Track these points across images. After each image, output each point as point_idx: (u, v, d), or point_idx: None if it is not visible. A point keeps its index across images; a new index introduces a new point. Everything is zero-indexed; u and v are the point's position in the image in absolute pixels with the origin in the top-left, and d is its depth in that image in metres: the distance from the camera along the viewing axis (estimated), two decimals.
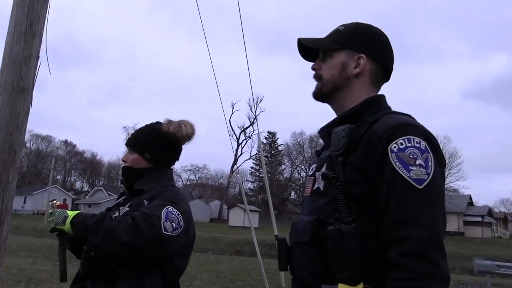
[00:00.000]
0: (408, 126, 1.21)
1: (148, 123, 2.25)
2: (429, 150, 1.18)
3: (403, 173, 1.14)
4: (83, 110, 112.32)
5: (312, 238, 1.22)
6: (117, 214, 2.04)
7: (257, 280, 10.44)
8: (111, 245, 1.81)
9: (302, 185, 70.59)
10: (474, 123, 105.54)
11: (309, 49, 1.45)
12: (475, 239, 42.32)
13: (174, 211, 1.93)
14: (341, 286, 1.13)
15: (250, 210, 6.70)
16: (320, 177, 1.28)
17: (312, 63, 1.48)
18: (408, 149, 1.16)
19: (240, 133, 61.10)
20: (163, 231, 1.84)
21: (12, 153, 2.84)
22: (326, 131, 1.41)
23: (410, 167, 1.14)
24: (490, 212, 56.78)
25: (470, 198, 56.40)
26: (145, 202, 1.98)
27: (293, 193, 73.32)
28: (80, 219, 1.87)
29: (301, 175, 71.75)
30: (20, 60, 2.90)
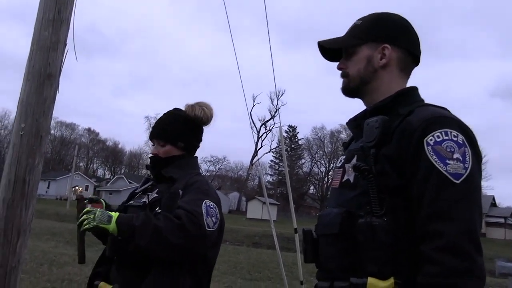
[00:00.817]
0: (445, 118, 1.19)
1: (168, 111, 2.23)
2: (467, 144, 1.15)
3: (440, 166, 1.12)
4: (106, 99, 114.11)
5: (342, 230, 1.20)
6: (145, 199, 2.03)
7: (274, 272, 10.47)
8: (159, 247, 1.80)
9: (321, 180, 70.40)
10: (502, 123, 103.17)
11: (331, 49, 1.43)
12: (497, 241, 41.55)
13: (211, 205, 1.93)
14: (371, 280, 1.11)
15: (269, 203, 6.71)
16: (351, 168, 1.26)
17: (337, 63, 1.45)
18: (445, 142, 1.14)
19: (261, 126, 61.16)
20: (206, 228, 1.86)
21: (39, 138, 2.89)
22: (355, 123, 1.39)
23: (447, 161, 1.12)
24: None
25: (493, 199, 55.40)
26: (180, 192, 1.97)
27: (312, 187, 73.20)
28: (126, 220, 1.83)
29: (321, 169, 71.51)
30: (48, 47, 2.94)
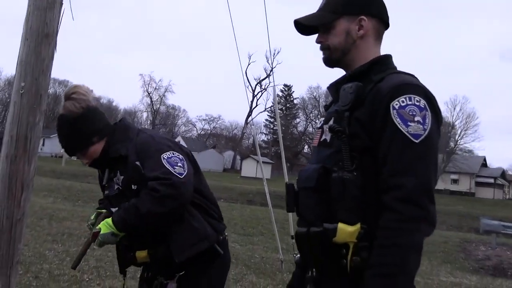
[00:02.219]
0: (410, 85, 1.32)
1: (57, 124, 2.20)
2: (428, 109, 1.28)
3: (402, 128, 1.26)
4: (100, 55, 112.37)
5: (318, 184, 1.35)
6: (117, 186, 2.13)
7: (266, 228, 10.80)
8: (160, 222, 2.00)
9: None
10: (499, 83, 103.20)
11: (306, 25, 1.50)
12: (485, 200, 42.46)
13: (169, 155, 2.03)
14: (341, 225, 1.27)
15: (263, 162, 6.87)
16: (327, 129, 1.40)
17: (310, 35, 1.53)
18: (408, 106, 1.27)
19: (256, 85, 60.88)
20: (180, 178, 1.97)
21: (38, 97, 2.97)
22: (335, 87, 1.51)
23: (409, 123, 1.26)
24: (503, 174, 56.58)
25: (484, 159, 56.08)
26: (137, 163, 2.05)
27: (306, 146, 73.64)
28: (123, 224, 1.99)
29: (315, 129, 71.59)
30: (44, 6, 2.98)
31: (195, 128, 77.36)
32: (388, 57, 1.48)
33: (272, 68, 51.32)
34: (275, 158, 56.79)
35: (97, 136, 2.15)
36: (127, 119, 2.36)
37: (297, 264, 1.61)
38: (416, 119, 1.26)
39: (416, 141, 1.25)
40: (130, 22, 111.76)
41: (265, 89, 61.19)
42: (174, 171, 1.98)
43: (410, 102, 1.28)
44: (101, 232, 1.99)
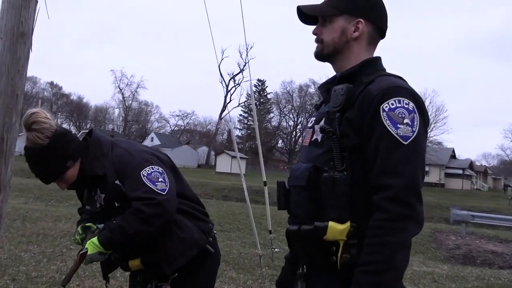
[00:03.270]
0: (399, 88, 1.36)
1: (26, 154, 2.10)
2: (416, 111, 1.33)
3: (392, 130, 1.30)
4: (69, 51, 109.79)
5: (308, 183, 1.39)
6: (98, 204, 2.10)
7: (243, 223, 10.85)
8: (147, 238, 2.02)
9: (289, 134, 71.17)
10: (466, 77, 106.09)
11: (307, 14, 1.54)
12: (455, 191, 43.65)
13: (149, 171, 2.00)
14: (331, 223, 1.31)
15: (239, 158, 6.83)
16: (319, 130, 1.44)
17: (309, 25, 1.57)
18: (398, 109, 1.32)
19: (230, 80, 60.66)
20: (163, 194, 1.96)
21: (15, 97, 2.93)
22: (325, 87, 1.56)
23: (398, 125, 1.30)
24: (471, 165, 58.21)
25: (453, 151, 57.57)
26: (117, 182, 2.02)
27: (280, 141, 74.05)
28: (109, 243, 1.99)
29: (289, 124, 72.14)
30: (19, 4, 2.93)
31: (168, 124, 76.73)
32: (377, 59, 1.53)
33: (245, 63, 51.24)
34: (250, 153, 56.87)
35: (71, 160, 2.06)
36: (96, 130, 2.27)
37: (287, 259, 1.65)
38: (405, 121, 1.31)
39: (405, 143, 1.29)
40: (100, 17, 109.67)
41: (238, 84, 61.11)
42: (156, 188, 1.96)
43: (400, 105, 1.32)
44: (88, 253, 1.99)
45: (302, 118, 71.19)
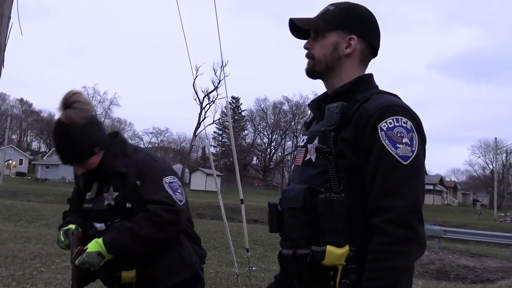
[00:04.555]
0: (396, 106, 1.32)
1: (56, 130, 2.07)
2: (414, 130, 1.29)
3: (391, 149, 1.26)
4: (40, 67, 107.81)
5: (304, 205, 1.33)
6: (108, 202, 2.04)
7: (219, 241, 10.72)
8: (156, 247, 1.99)
9: (264, 151, 71.29)
10: (435, 95, 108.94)
11: (299, 28, 1.51)
12: (426, 206, 43.82)
13: (171, 180, 2.04)
14: (329, 247, 1.25)
15: (212, 175, 6.79)
16: (314, 149, 1.38)
17: (299, 39, 1.54)
18: (396, 128, 1.28)
19: (204, 97, 60.53)
20: (180, 205, 1.99)
21: None
22: (316, 104, 1.51)
23: (398, 145, 1.26)
24: (441, 181, 59.55)
25: None
26: (138, 183, 2.01)
27: (255, 158, 74.05)
28: (114, 244, 1.92)
29: (264, 141, 72.33)
30: None
31: (142, 142, 75.55)
32: (370, 76, 1.49)
33: (220, 80, 51.38)
34: (224, 170, 56.63)
35: (99, 147, 2.07)
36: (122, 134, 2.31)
37: (277, 280, 1.57)
38: (404, 140, 1.27)
39: (405, 163, 1.25)
40: (72, 33, 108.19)
41: (213, 101, 61.03)
42: (176, 198, 1.99)
43: (398, 124, 1.28)
44: (88, 250, 1.91)
45: (277, 135, 71.56)
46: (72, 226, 2.07)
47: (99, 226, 2.04)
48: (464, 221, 27.73)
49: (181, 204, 1.99)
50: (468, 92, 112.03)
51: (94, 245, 1.92)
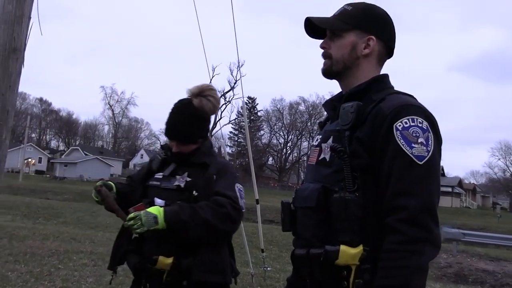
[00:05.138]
0: (412, 106, 1.32)
1: (177, 107, 2.23)
2: (430, 130, 1.29)
3: (406, 149, 1.25)
4: (59, 67, 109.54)
5: (318, 204, 1.33)
6: (177, 183, 2.13)
7: (235, 241, 10.54)
8: (209, 235, 2.03)
9: (279, 151, 71.19)
10: (455, 96, 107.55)
11: (315, 27, 1.50)
12: (444, 209, 43.73)
13: (241, 188, 2.18)
14: (343, 247, 1.25)
15: None
16: (328, 149, 1.38)
17: (314, 39, 1.53)
18: (412, 128, 1.27)
19: (220, 97, 60.52)
20: (243, 209, 2.12)
21: (5, 113, 2.89)
22: (331, 105, 1.51)
23: (413, 145, 1.26)
24: (460, 183, 58.64)
25: (442, 169, 57.90)
26: (214, 177, 2.13)
27: (270, 158, 73.98)
28: (174, 216, 1.96)
29: (279, 141, 72.25)
30: (12, 20, 2.91)
31: (158, 141, 76.23)
32: (385, 77, 1.48)
33: (236, 80, 51.46)
34: (240, 171, 56.65)
35: (202, 139, 2.25)
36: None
37: (289, 283, 1.57)
38: (419, 140, 1.26)
39: (420, 163, 1.25)
40: (91, 33, 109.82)
41: (229, 101, 61.19)
42: (241, 202, 2.11)
43: (413, 124, 1.28)
44: (148, 210, 1.96)
45: (292, 136, 71.40)
46: (99, 183, 2.19)
47: (160, 202, 2.10)
48: (483, 224, 27.30)
49: (243, 210, 2.11)
50: (488, 93, 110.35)
51: (154, 209, 1.97)
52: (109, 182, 2.23)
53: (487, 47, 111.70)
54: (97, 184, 2.18)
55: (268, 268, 7.02)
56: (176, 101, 2.26)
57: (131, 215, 1.96)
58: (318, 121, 1.66)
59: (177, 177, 2.16)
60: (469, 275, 10.52)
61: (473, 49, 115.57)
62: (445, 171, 59.81)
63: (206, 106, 2.19)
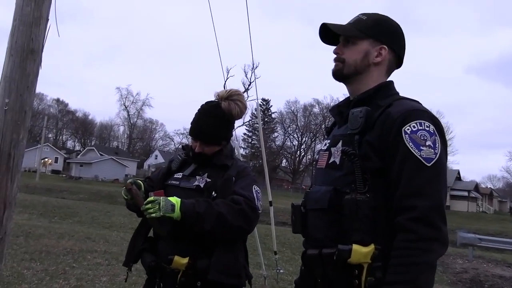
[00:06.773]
0: (419, 111, 1.39)
1: (205, 108, 2.26)
2: (436, 133, 1.36)
3: (415, 152, 1.31)
4: (76, 68, 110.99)
5: (330, 205, 1.39)
6: (197, 183, 2.16)
7: (247, 243, 10.63)
8: (223, 230, 2.02)
9: (293, 153, 71.07)
10: (474, 99, 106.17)
11: (329, 33, 1.56)
12: (460, 213, 43.21)
13: (259, 190, 2.19)
14: (355, 246, 1.31)
15: None
16: (338, 152, 1.44)
17: (327, 45, 1.60)
18: (420, 131, 1.34)
19: None
20: (259, 210, 2.12)
21: (23, 113, 2.93)
22: (338, 110, 1.58)
23: (421, 147, 1.32)
24: (476, 187, 57.80)
25: (458, 173, 57.26)
26: (233, 179, 2.16)
27: (284, 160, 73.85)
28: (189, 207, 1.98)
29: (293, 143, 72.11)
30: (30, 22, 2.95)
31: (173, 142, 76.84)
32: (391, 83, 1.56)
33: (250, 82, 51.53)
34: (254, 172, 56.59)
35: (226, 142, 2.29)
36: None
37: (297, 285, 1.61)
38: (427, 143, 1.33)
39: (428, 165, 1.31)
40: (107, 35, 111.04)
41: None
42: (258, 203, 2.12)
43: (421, 127, 1.34)
44: (168, 197, 1.98)
45: (306, 138, 71.19)
46: (130, 180, 2.19)
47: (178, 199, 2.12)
48: (500, 229, 26.85)
49: (259, 211, 2.11)
50: (507, 97, 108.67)
51: (173, 198, 2.00)
52: (139, 180, 2.23)
53: (506, 49, 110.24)
54: (127, 182, 2.18)
55: (281, 271, 7.01)
56: (203, 102, 2.29)
57: (150, 198, 1.97)
58: (323, 126, 1.68)
59: (197, 177, 2.19)
60: (485, 281, 10.35)
61: (492, 51, 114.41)
62: (462, 175, 58.91)
63: (233, 110, 2.23)
